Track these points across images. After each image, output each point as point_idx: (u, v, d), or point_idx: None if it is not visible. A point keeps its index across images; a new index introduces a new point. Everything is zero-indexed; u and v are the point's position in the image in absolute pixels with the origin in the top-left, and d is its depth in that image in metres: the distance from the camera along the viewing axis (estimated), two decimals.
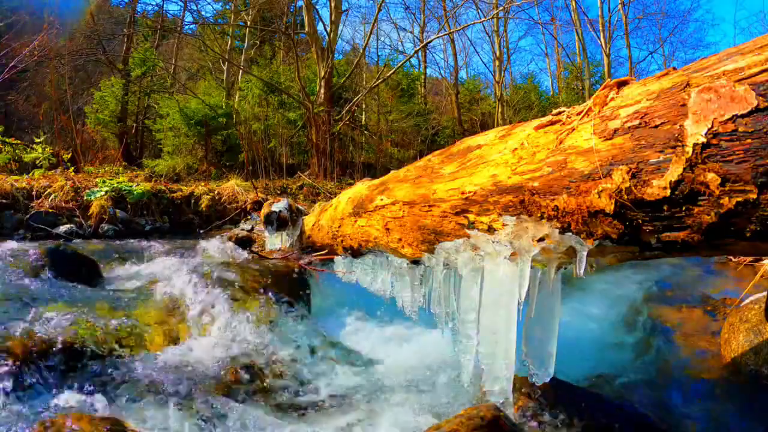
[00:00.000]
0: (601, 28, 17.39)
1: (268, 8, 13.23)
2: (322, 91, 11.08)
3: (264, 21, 13.88)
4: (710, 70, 0.99)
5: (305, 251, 3.40)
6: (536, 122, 1.43)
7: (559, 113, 1.35)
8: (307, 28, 11.42)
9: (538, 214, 1.31)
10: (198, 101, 10.99)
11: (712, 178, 0.92)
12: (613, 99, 1.19)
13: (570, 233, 1.25)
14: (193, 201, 5.92)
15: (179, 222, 5.67)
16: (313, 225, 3.27)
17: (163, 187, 5.85)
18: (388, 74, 12.25)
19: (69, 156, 7.21)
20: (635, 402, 1.79)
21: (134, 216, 5.32)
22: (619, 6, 17.88)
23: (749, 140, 0.87)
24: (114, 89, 12.18)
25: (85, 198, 4.99)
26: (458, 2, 15.44)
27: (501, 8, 13.88)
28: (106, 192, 5.11)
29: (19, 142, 7.29)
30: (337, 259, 2.89)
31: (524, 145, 1.41)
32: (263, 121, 11.12)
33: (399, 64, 12.56)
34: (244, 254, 3.72)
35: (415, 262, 2.02)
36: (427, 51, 18.01)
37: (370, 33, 12.89)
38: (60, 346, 1.83)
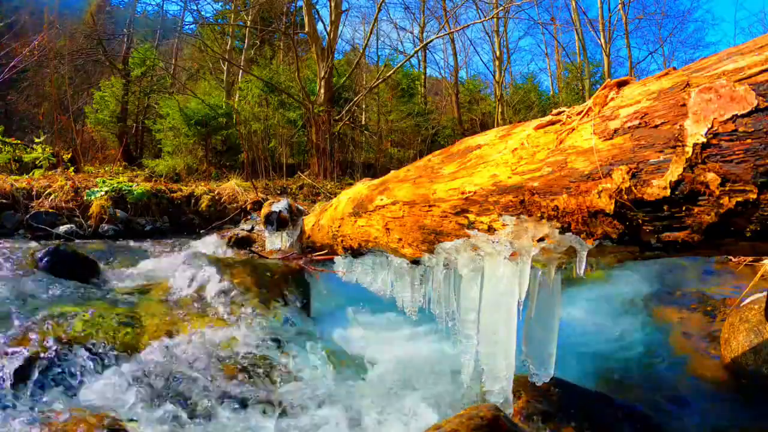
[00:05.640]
0: (601, 28, 17.39)
1: (268, 8, 13.23)
2: (322, 91, 11.08)
3: (264, 21, 13.88)
4: (710, 70, 0.99)
5: (305, 251, 3.41)
6: (536, 122, 1.43)
7: (559, 113, 1.35)
8: (307, 28, 11.42)
9: (538, 214, 1.31)
10: (198, 101, 10.98)
11: (712, 178, 0.92)
12: (613, 99, 1.18)
13: (570, 233, 1.25)
14: (193, 201, 5.92)
15: (179, 222, 5.68)
16: (313, 225, 3.27)
17: (163, 187, 5.85)
18: (388, 74, 12.26)
19: (69, 156, 7.21)
20: (635, 402, 1.79)
21: (134, 216, 5.32)
22: (619, 6, 17.87)
23: (749, 140, 0.86)
24: (114, 89, 12.20)
25: (85, 198, 5.00)
26: (458, 2, 15.47)
27: (501, 8, 13.89)
28: (106, 192, 5.11)
29: (19, 142, 7.29)
30: (337, 259, 2.89)
31: (524, 145, 1.41)
32: (263, 121, 11.12)
33: (399, 64, 12.57)
34: (243, 254, 3.72)
35: (415, 262, 2.01)
36: (427, 51, 18.01)
37: (370, 33, 12.91)
38: (59, 345, 1.83)
